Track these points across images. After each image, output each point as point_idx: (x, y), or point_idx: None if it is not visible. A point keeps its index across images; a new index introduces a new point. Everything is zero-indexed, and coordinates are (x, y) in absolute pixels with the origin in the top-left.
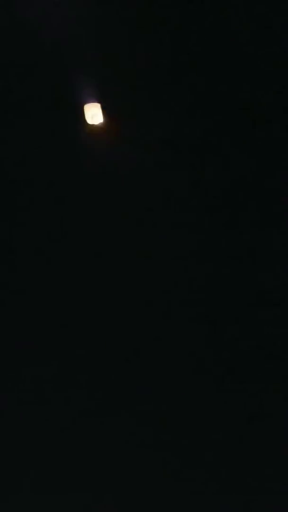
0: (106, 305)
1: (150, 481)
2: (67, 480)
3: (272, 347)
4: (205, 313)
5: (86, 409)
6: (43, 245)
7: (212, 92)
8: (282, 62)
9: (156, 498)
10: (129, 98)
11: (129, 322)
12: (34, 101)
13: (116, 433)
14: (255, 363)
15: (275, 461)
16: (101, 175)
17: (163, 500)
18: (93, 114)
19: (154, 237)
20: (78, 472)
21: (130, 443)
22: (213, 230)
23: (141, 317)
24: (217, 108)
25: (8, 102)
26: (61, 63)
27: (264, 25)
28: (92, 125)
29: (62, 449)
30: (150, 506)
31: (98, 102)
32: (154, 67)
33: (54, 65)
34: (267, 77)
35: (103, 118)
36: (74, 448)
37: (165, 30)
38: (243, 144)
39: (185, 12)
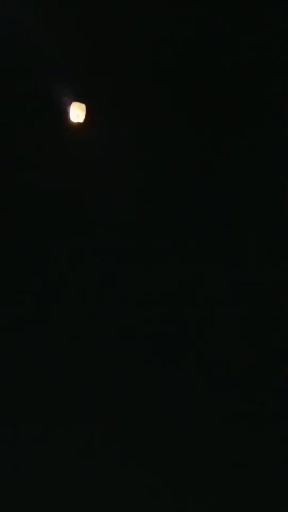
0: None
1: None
2: None
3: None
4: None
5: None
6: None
7: (200, 92)
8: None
9: None
10: (113, 98)
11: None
12: (19, 101)
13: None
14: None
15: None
16: (84, 172)
17: None
18: (78, 113)
19: (134, 236)
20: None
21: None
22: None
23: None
24: (204, 108)
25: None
26: (47, 64)
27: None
28: (76, 123)
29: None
30: None
31: (83, 102)
32: (140, 68)
33: (40, 65)
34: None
35: (87, 117)
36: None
37: (152, 30)
38: (231, 146)
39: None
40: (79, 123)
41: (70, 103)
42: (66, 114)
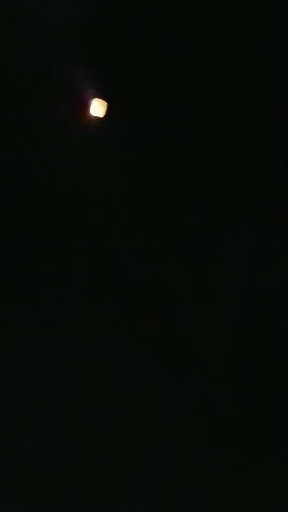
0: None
1: None
2: None
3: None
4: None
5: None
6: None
7: (215, 91)
8: None
9: None
10: (133, 94)
11: None
12: (41, 95)
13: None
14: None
15: None
16: (101, 168)
17: None
18: (98, 108)
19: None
20: None
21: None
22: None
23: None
24: (219, 106)
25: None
26: (70, 59)
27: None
28: (96, 118)
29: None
30: None
31: (103, 98)
32: (159, 66)
33: (63, 61)
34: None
35: (107, 112)
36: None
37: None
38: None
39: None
40: (98, 118)
41: (92, 98)
42: (87, 108)
